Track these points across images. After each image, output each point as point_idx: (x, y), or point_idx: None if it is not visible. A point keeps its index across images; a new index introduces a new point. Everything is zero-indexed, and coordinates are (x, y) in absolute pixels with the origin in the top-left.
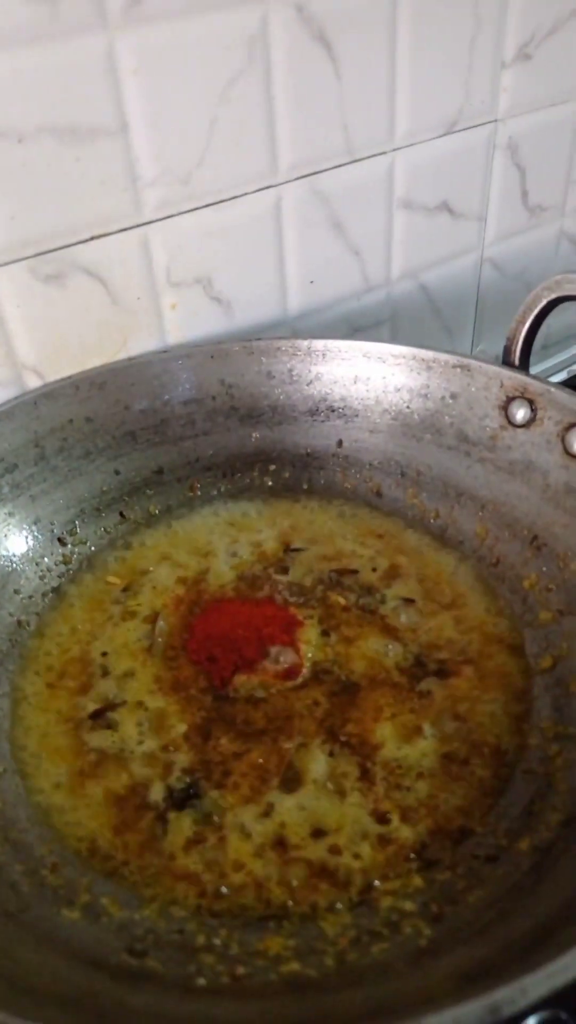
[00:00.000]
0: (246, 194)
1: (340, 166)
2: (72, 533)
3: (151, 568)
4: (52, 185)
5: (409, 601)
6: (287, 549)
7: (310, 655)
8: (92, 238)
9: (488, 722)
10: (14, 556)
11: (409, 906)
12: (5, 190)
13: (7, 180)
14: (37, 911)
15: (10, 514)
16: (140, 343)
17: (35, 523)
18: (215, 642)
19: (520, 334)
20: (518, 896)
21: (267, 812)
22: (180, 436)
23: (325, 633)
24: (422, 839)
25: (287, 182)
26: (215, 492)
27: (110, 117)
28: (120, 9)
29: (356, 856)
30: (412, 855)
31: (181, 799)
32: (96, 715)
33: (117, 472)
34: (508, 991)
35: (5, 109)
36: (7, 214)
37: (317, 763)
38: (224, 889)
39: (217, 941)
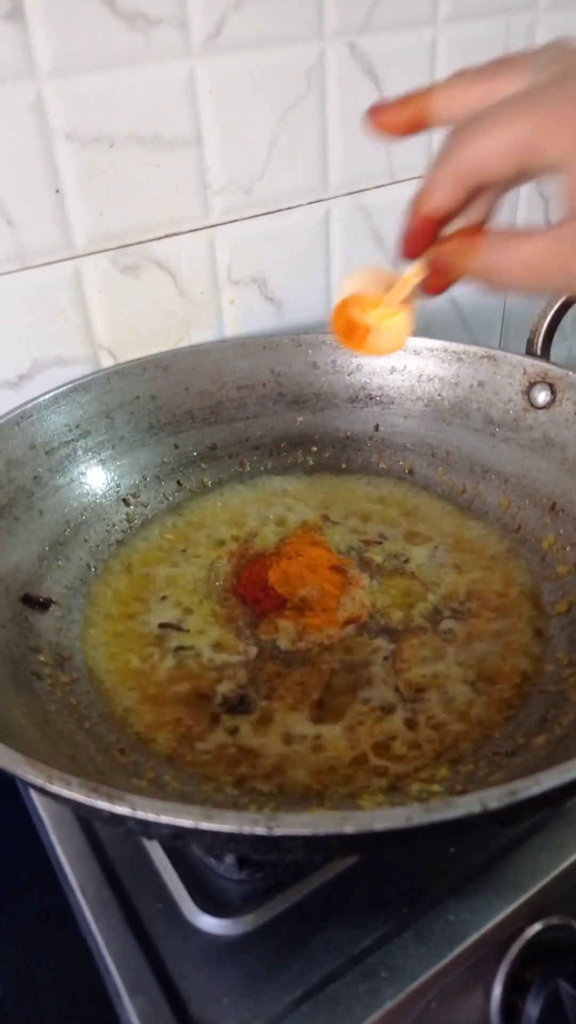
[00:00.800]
0: (300, 205)
1: (383, 186)
2: (135, 496)
3: (205, 529)
4: (135, 186)
5: (433, 560)
6: (325, 519)
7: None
8: (166, 236)
9: (508, 655)
10: (85, 510)
11: (436, 788)
12: (96, 188)
13: (99, 179)
14: (110, 777)
15: (82, 473)
16: (201, 333)
17: (103, 484)
18: (260, 586)
19: (542, 327)
20: (534, 773)
21: (307, 719)
22: (233, 417)
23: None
24: (448, 743)
25: (336, 197)
26: (262, 468)
27: (187, 130)
28: (202, 40)
29: (388, 755)
30: (439, 755)
31: (233, 705)
32: (163, 627)
33: (176, 446)
34: (526, 781)
35: (101, 118)
36: (97, 210)
37: (352, 682)
38: (271, 777)
39: (267, 810)
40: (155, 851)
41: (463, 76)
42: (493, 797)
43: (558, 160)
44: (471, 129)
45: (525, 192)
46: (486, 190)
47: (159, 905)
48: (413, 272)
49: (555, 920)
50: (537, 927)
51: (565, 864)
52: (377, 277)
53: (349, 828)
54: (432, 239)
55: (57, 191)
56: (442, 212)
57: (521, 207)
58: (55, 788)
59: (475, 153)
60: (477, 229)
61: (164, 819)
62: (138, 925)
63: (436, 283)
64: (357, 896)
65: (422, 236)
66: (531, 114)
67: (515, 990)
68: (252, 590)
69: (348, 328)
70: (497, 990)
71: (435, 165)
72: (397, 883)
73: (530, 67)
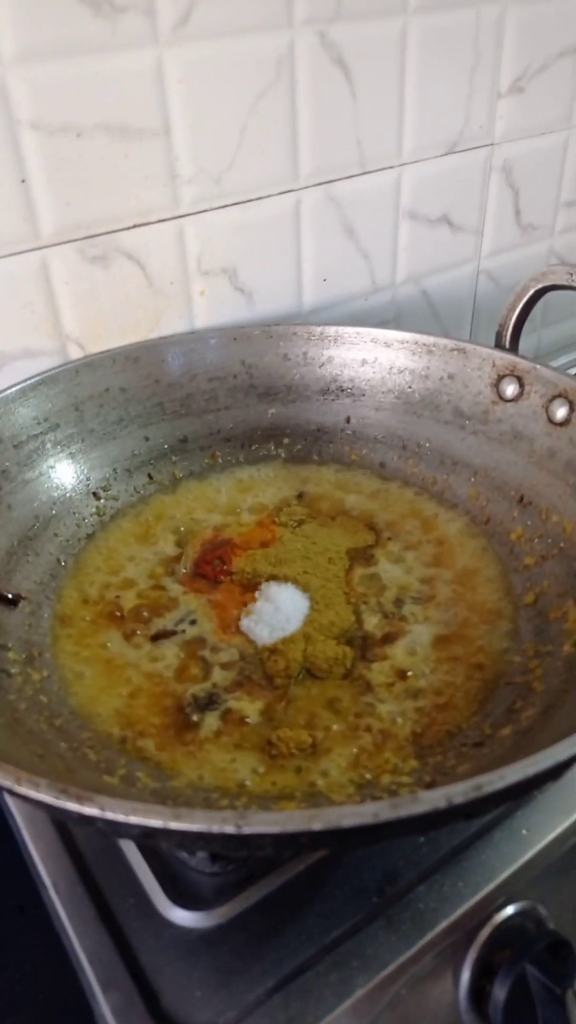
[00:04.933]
0: (270, 196)
1: (353, 176)
2: (106, 489)
3: (175, 521)
4: (103, 176)
5: (405, 552)
6: (298, 504)
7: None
8: (134, 226)
9: (476, 647)
10: (55, 504)
11: (406, 780)
12: (63, 178)
13: (66, 169)
14: (81, 775)
15: (51, 467)
16: (171, 324)
17: (73, 477)
18: (224, 573)
19: (510, 320)
20: (500, 764)
21: (277, 714)
22: (204, 409)
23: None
24: (417, 734)
25: (306, 187)
26: (233, 461)
27: (156, 120)
28: (170, 28)
29: (357, 747)
30: (408, 746)
31: (203, 703)
32: (134, 623)
33: (147, 438)
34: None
35: (67, 108)
36: (64, 200)
37: (321, 675)
38: (241, 773)
39: (238, 804)
40: (127, 846)
41: None
42: (458, 792)
43: None
44: None
45: (495, 184)
46: None
47: (131, 899)
48: None
49: (522, 906)
50: (505, 913)
51: (531, 852)
52: None
53: (317, 825)
54: None
55: (23, 181)
56: None
57: (491, 200)
58: (23, 790)
59: None
60: None
61: (133, 819)
62: (111, 920)
63: None
64: (328, 886)
65: None
66: None
67: (483, 975)
68: (216, 573)
69: None
70: (466, 975)
71: None
72: (367, 873)
73: None
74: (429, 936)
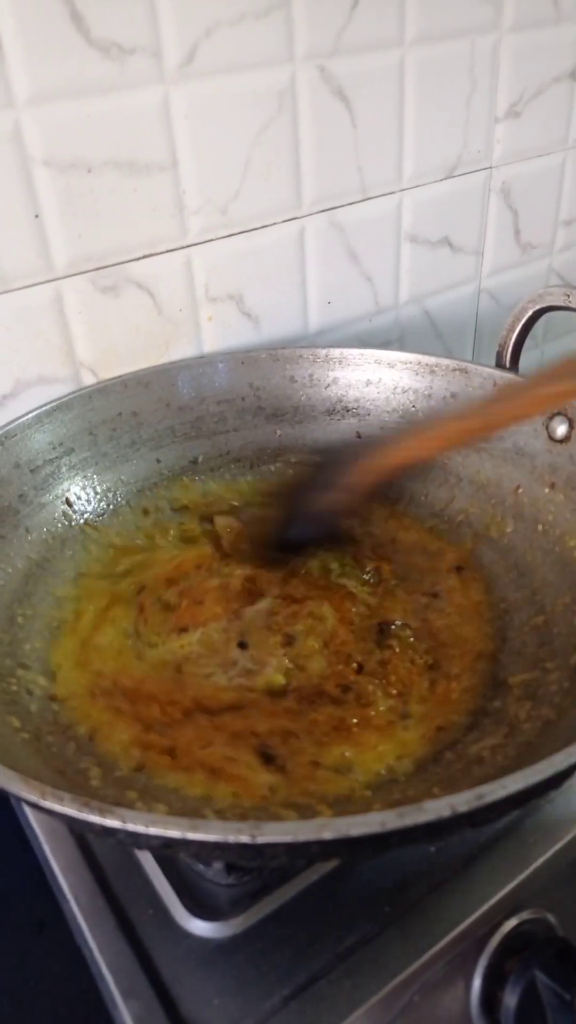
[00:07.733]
0: (274, 224)
1: (355, 203)
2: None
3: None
4: (113, 210)
5: (403, 568)
6: None
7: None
8: (144, 256)
9: (472, 663)
10: (71, 524)
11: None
12: (75, 212)
13: (77, 204)
14: (103, 791)
15: (66, 490)
16: (180, 350)
17: (88, 499)
18: None
19: (510, 340)
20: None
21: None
22: (213, 431)
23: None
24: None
25: (309, 215)
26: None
27: (163, 155)
28: (175, 66)
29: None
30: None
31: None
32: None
33: (158, 460)
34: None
35: (78, 145)
36: (76, 233)
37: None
38: (257, 796)
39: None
40: (146, 859)
41: None
42: (462, 801)
43: None
44: None
45: (494, 206)
46: None
47: (150, 911)
48: None
49: (531, 914)
50: (514, 921)
51: (539, 860)
52: None
53: (328, 834)
54: None
55: (36, 216)
56: None
57: (491, 221)
58: (48, 804)
59: None
60: None
61: (153, 831)
62: (130, 931)
63: None
64: (341, 896)
65: None
66: None
67: (494, 982)
68: None
69: None
70: (477, 982)
71: None
72: (379, 883)
73: None
74: (440, 944)
